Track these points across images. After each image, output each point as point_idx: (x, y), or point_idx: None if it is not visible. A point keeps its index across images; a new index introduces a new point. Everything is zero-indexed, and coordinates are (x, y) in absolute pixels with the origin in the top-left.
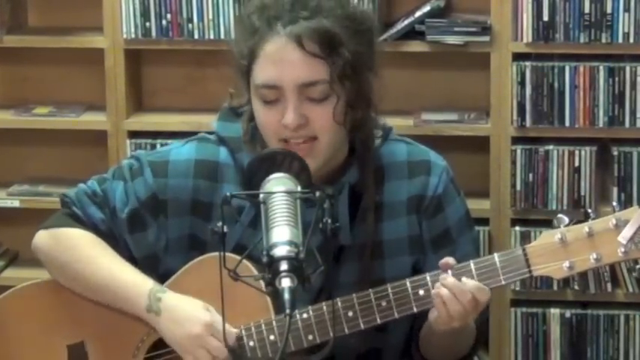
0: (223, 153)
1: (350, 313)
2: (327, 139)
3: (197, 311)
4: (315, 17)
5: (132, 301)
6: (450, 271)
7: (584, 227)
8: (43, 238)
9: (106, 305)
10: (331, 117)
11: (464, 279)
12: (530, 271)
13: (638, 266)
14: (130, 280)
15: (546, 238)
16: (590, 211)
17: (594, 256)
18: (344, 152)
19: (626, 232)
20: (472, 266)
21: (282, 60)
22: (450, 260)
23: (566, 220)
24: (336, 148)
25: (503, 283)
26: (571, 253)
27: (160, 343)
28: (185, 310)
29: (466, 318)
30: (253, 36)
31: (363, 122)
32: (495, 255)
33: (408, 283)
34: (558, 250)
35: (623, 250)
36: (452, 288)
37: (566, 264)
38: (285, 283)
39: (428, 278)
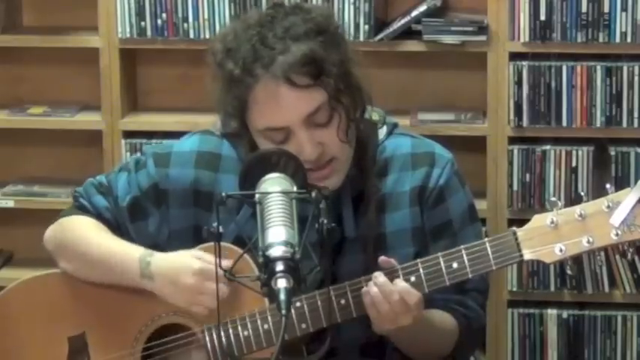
0: (226, 146)
1: (342, 301)
2: (345, 156)
3: (185, 263)
4: (290, 47)
5: (126, 271)
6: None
7: (576, 210)
8: (50, 228)
9: (107, 286)
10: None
11: (396, 280)
12: (521, 256)
13: (631, 249)
14: (121, 251)
15: (537, 221)
16: (582, 193)
17: (586, 239)
18: None
19: (619, 215)
20: (463, 252)
21: (279, 103)
22: (391, 260)
23: (559, 203)
24: (352, 156)
25: (494, 268)
26: (563, 236)
27: (158, 333)
28: (174, 267)
29: (396, 320)
30: (237, 86)
31: (362, 118)
32: (486, 240)
33: (399, 270)
34: (550, 234)
35: (615, 232)
36: (380, 286)
37: (558, 247)
38: (281, 283)
39: (419, 264)
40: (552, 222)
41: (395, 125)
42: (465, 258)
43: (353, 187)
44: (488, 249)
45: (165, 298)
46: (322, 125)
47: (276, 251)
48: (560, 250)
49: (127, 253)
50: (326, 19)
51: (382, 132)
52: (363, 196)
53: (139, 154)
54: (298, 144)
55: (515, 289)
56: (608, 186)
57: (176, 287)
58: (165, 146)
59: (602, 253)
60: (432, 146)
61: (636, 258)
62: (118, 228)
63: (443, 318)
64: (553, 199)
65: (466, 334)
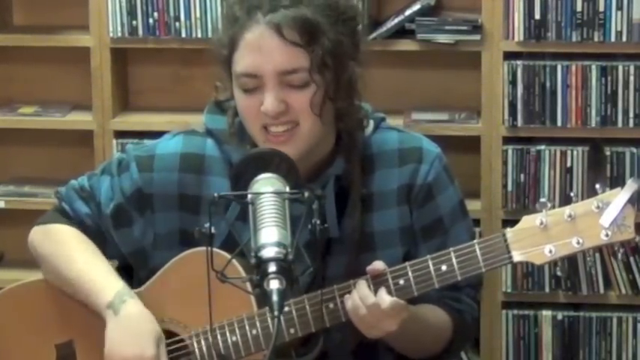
0: (210, 145)
1: (331, 305)
2: (308, 126)
3: (145, 342)
4: (296, 6)
5: (97, 294)
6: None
7: (566, 211)
8: (35, 233)
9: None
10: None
11: (380, 290)
12: (510, 257)
13: (622, 249)
14: (101, 276)
15: (527, 222)
16: (572, 194)
17: (576, 240)
18: (329, 143)
19: (609, 215)
20: (452, 254)
21: (261, 48)
22: (377, 265)
23: (549, 204)
24: (318, 136)
25: (483, 270)
26: (552, 237)
27: None
28: (137, 332)
29: (377, 327)
30: (234, 25)
31: (346, 112)
32: (475, 242)
33: (388, 274)
34: (539, 235)
35: (605, 233)
36: (358, 291)
37: (548, 249)
38: (274, 284)
39: (408, 268)
40: (542, 223)
41: (382, 119)
42: (454, 260)
43: (338, 185)
44: (478, 251)
45: (106, 335)
46: (295, 88)
47: (269, 252)
48: (550, 252)
49: (107, 280)
50: (344, 4)
51: (370, 127)
52: (348, 195)
53: (119, 155)
54: (263, 94)
55: (509, 290)
56: (597, 186)
57: (122, 348)
58: (148, 148)
59: (597, 255)
60: (419, 141)
61: (631, 259)
62: (100, 234)
63: (436, 314)
64: (543, 200)
65: (460, 328)
